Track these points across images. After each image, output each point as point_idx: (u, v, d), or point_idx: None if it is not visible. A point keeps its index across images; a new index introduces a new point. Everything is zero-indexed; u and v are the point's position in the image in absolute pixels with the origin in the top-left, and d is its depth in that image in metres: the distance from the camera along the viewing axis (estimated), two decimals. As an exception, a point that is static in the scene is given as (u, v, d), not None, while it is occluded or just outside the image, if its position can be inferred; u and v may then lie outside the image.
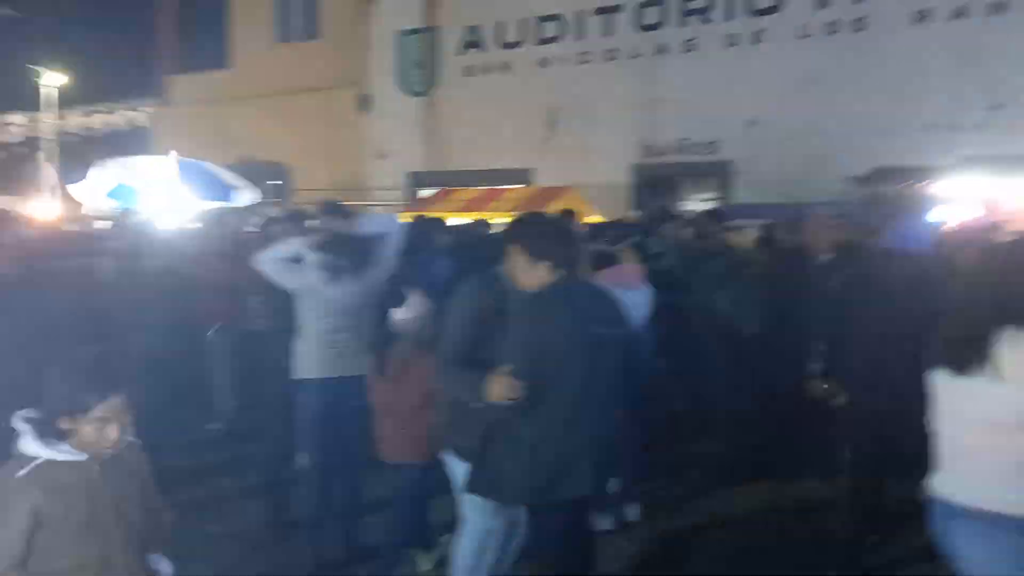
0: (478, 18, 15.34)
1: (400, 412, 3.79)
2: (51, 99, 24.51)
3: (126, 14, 22.22)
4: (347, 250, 3.98)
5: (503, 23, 15.09)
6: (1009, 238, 2.32)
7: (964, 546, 2.18)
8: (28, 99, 24.83)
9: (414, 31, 16.04)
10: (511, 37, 15.07)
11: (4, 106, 26.12)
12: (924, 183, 9.18)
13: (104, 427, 2.18)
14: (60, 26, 23.76)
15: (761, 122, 12.28)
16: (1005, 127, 10.62)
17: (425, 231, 5.74)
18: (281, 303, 4.14)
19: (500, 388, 2.88)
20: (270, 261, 4.05)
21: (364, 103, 16.54)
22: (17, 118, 26.71)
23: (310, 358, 4.09)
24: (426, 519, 4.08)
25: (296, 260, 4.06)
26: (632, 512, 4.57)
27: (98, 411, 2.17)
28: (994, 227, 5.75)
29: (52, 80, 24.27)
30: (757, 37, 12.79)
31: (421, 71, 16.02)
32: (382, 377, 3.84)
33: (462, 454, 3.19)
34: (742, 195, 12.38)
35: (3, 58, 23.78)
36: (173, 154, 9.02)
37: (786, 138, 11.66)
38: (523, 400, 2.89)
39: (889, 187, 9.59)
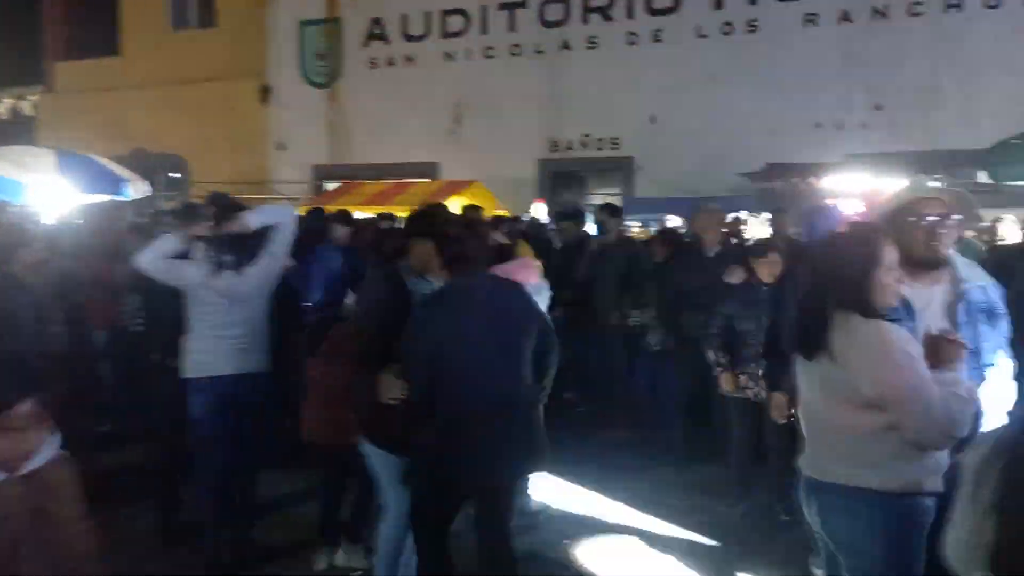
0: (381, 10, 15.15)
1: (328, 390, 3.74)
2: (-76, 85, 22.87)
3: (8, -5, 20.91)
4: (233, 243, 3.84)
5: (407, 16, 14.95)
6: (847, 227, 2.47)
7: (825, 519, 2.31)
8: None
9: (316, 21, 15.72)
10: (415, 30, 14.95)
11: None
12: (812, 179, 9.62)
13: (17, 437, 1.86)
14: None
15: (661, 119, 12.60)
16: (885, 126, 11.25)
17: (320, 224, 5.63)
18: (161, 302, 3.98)
19: (387, 390, 2.89)
20: (151, 258, 3.87)
21: (265, 94, 16.11)
22: None
23: (201, 356, 3.94)
24: (339, 511, 4.05)
25: (181, 256, 3.90)
26: (530, 502, 4.62)
27: (9, 418, 1.84)
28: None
29: (-76, 65, 22.64)
30: (657, 36, 13.11)
31: (323, 62, 15.72)
32: (314, 355, 3.85)
33: (383, 446, 3.19)
34: (644, 190, 12.69)
35: None
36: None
37: (684, 134, 12.02)
38: (418, 398, 2.90)
39: (779, 182, 10.01)
